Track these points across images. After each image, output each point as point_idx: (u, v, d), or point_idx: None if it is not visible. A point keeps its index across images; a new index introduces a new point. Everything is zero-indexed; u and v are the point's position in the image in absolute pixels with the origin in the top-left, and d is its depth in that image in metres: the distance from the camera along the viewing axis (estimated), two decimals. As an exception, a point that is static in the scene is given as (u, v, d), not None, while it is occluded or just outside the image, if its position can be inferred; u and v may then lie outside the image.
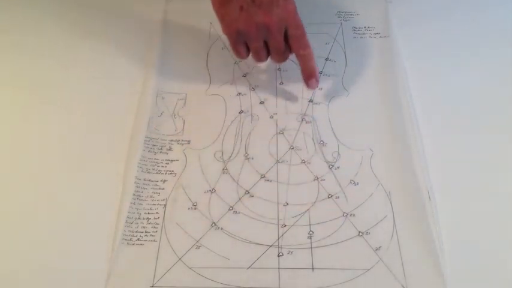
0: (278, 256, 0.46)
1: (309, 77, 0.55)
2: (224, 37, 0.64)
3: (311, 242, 0.47)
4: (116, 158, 0.52)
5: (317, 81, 0.56)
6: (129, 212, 0.48)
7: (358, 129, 0.55)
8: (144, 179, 0.51)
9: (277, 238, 0.47)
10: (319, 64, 0.61)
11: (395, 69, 0.59)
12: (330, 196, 0.50)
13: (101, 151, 0.53)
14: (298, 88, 0.59)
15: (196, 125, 0.56)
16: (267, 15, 0.50)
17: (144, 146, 0.53)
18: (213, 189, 0.51)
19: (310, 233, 0.47)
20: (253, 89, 0.59)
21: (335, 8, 0.68)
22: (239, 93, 0.59)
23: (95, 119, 0.56)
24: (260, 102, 0.58)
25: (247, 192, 0.50)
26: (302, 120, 0.56)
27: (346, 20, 0.66)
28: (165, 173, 0.52)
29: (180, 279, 0.45)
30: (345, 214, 0.48)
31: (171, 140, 0.54)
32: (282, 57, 0.54)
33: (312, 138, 0.54)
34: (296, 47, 0.53)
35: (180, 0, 0.68)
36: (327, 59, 0.62)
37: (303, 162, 0.53)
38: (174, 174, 0.52)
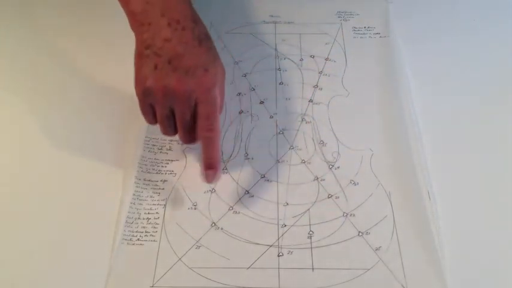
0: (278, 256, 0.46)
1: (207, 167, 0.49)
2: (224, 37, 0.64)
3: (311, 242, 0.47)
4: (116, 158, 0.52)
5: (215, 174, 0.50)
6: (129, 212, 0.48)
7: (358, 129, 0.55)
8: (144, 179, 0.51)
9: (277, 238, 0.47)
10: (319, 64, 0.61)
11: (395, 69, 0.59)
12: (330, 196, 0.50)
13: (101, 151, 0.53)
14: (298, 88, 0.59)
15: (196, 125, 0.56)
16: (178, 81, 0.44)
17: (144, 146, 0.53)
18: (213, 189, 0.51)
19: (310, 233, 0.47)
20: (253, 89, 0.59)
21: (335, 8, 0.68)
22: (239, 93, 0.59)
23: (94, 118, 0.56)
24: (260, 102, 0.58)
25: (247, 192, 0.50)
26: (302, 120, 0.56)
27: (346, 20, 0.66)
28: (165, 173, 0.52)
29: (180, 279, 0.45)
30: (345, 214, 0.48)
31: (171, 140, 0.54)
32: (187, 135, 0.48)
33: (312, 138, 0.54)
34: (200, 127, 0.47)
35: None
36: (327, 59, 0.62)
37: (303, 162, 0.53)
38: (174, 174, 0.52)
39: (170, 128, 0.48)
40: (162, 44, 0.44)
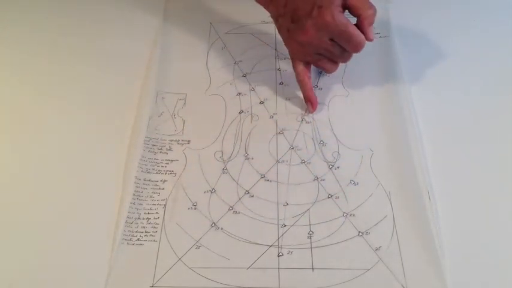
0: (278, 256, 0.46)
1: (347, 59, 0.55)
2: (224, 37, 0.64)
3: (311, 242, 0.47)
4: (116, 158, 0.52)
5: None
6: (129, 212, 0.48)
7: (358, 129, 0.55)
8: (144, 179, 0.51)
9: (277, 238, 0.47)
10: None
11: (395, 69, 0.59)
12: (330, 196, 0.50)
13: (101, 151, 0.53)
14: (298, 88, 0.59)
15: (196, 125, 0.56)
16: (303, 33, 0.50)
17: (144, 146, 0.53)
18: (213, 189, 0.51)
19: (310, 233, 0.47)
20: (253, 89, 0.59)
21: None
22: (239, 93, 0.59)
23: (94, 118, 0.56)
24: (260, 102, 0.58)
25: (247, 192, 0.50)
26: (302, 120, 0.56)
27: (346, 20, 0.66)
28: (165, 173, 0.52)
29: (180, 279, 0.45)
30: (344, 214, 0.48)
31: (171, 140, 0.54)
32: (344, 59, 0.54)
33: (312, 138, 0.54)
34: (349, 47, 0.52)
35: (180, 0, 0.68)
36: (327, 59, 0.62)
37: (303, 162, 0.53)
38: (174, 174, 0.52)
39: (327, 64, 0.54)
40: (283, 11, 0.52)
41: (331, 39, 0.51)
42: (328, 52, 0.52)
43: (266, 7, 0.55)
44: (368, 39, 0.51)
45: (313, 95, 0.56)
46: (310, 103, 0.56)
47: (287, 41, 0.54)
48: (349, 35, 0.50)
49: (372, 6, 0.51)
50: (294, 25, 0.51)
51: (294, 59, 0.55)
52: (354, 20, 0.51)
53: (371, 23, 0.51)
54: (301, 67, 0.55)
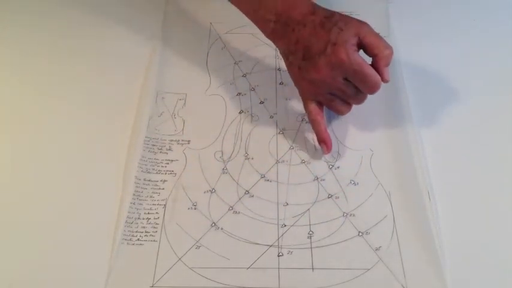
0: (278, 256, 0.46)
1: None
2: (224, 37, 0.64)
3: (311, 242, 0.47)
4: (116, 158, 0.52)
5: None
6: (129, 212, 0.48)
7: (358, 129, 0.55)
8: (144, 179, 0.51)
9: (277, 238, 0.47)
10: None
11: (395, 69, 0.59)
12: (330, 196, 0.50)
13: (101, 151, 0.53)
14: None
15: (196, 125, 0.56)
16: (316, 71, 0.48)
17: (144, 146, 0.53)
18: (213, 189, 0.51)
19: (310, 233, 0.47)
20: (253, 89, 0.59)
21: (335, 8, 0.67)
22: (239, 93, 0.59)
23: (94, 118, 0.56)
24: (260, 102, 0.58)
25: (247, 192, 0.50)
26: (302, 120, 0.56)
27: (346, 20, 0.66)
28: (165, 173, 0.52)
29: (180, 279, 0.45)
30: (344, 214, 0.48)
31: (171, 140, 0.54)
32: (358, 100, 0.52)
33: (312, 138, 0.54)
34: (364, 88, 0.49)
35: (180, 0, 0.68)
36: (327, 59, 0.62)
37: (303, 162, 0.53)
38: (174, 174, 0.52)
39: (340, 106, 0.52)
40: (294, 48, 0.49)
41: (345, 79, 0.48)
42: (341, 92, 0.50)
43: (275, 42, 0.52)
44: (384, 80, 0.48)
45: (327, 136, 0.52)
46: (324, 145, 0.52)
47: (297, 80, 0.51)
48: (364, 75, 0.47)
49: (388, 46, 0.48)
50: (306, 62, 0.48)
51: (304, 99, 0.52)
52: (369, 60, 0.48)
53: (387, 64, 0.48)
54: (313, 105, 0.52)
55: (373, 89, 0.48)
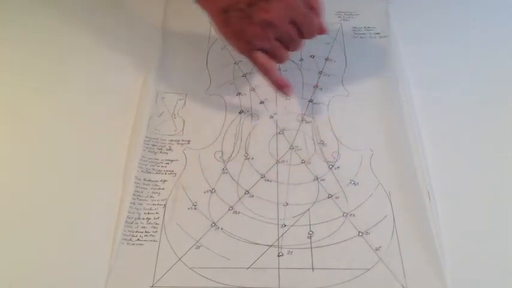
0: (278, 256, 0.46)
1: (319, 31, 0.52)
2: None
3: (311, 242, 0.47)
4: (116, 158, 0.52)
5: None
6: (129, 212, 0.48)
7: (358, 129, 0.55)
8: (144, 179, 0.51)
9: (277, 238, 0.47)
10: (319, 64, 0.61)
11: (395, 69, 0.59)
12: (330, 196, 0.50)
13: (101, 151, 0.53)
14: (298, 88, 0.59)
15: (196, 125, 0.56)
16: (266, 11, 0.48)
17: (144, 146, 0.53)
18: (213, 189, 0.51)
19: (310, 233, 0.47)
20: (253, 89, 0.59)
21: (335, 8, 0.68)
22: (239, 93, 0.59)
23: (95, 119, 0.56)
24: (260, 102, 0.58)
25: (247, 192, 0.50)
26: (302, 120, 0.56)
27: (346, 20, 0.66)
28: (165, 173, 0.52)
29: (180, 279, 0.45)
30: (344, 214, 0.48)
31: (171, 140, 0.54)
32: (297, 46, 0.52)
33: (312, 138, 0.54)
34: (307, 33, 0.51)
35: (180, 0, 0.68)
36: (327, 59, 0.62)
37: (303, 162, 0.53)
38: (174, 174, 0.52)
39: (283, 53, 0.51)
40: (234, 0, 0.48)
41: (290, 22, 0.49)
42: (287, 36, 0.50)
43: (208, 3, 0.50)
44: (322, 31, 0.51)
45: (283, 78, 0.51)
46: (285, 87, 0.51)
47: (241, 32, 0.49)
48: (311, 18, 0.49)
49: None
50: (253, 8, 0.48)
51: (249, 49, 0.50)
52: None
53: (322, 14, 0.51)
54: (262, 54, 0.50)
55: (315, 32, 0.51)
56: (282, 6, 0.48)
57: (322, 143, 0.54)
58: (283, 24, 0.49)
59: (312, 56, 0.62)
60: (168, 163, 0.52)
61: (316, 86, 0.59)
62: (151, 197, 0.50)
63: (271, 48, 0.50)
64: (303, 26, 0.49)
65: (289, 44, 0.51)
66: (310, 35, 0.51)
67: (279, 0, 0.48)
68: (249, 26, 0.49)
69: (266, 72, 0.51)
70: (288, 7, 0.48)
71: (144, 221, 0.48)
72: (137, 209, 0.49)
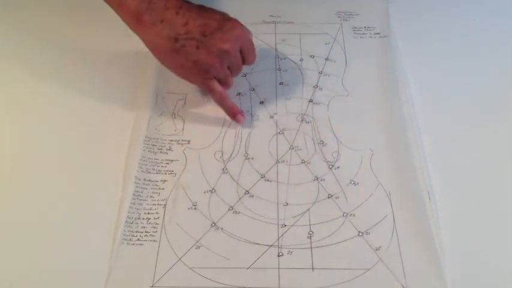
0: (278, 256, 0.46)
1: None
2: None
3: (311, 242, 0.47)
4: (116, 158, 0.52)
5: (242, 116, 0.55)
6: (129, 212, 0.48)
7: (358, 129, 0.55)
8: (144, 179, 0.51)
9: (277, 238, 0.47)
10: (319, 64, 0.61)
11: (395, 69, 0.59)
12: (329, 196, 0.50)
13: (101, 151, 0.53)
14: (298, 88, 0.59)
15: (196, 125, 0.56)
16: (223, 41, 0.50)
17: (144, 146, 0.53)
18: (213, 189, 0.51)
19: (310, 233, 0.47)
20: (253, 89, 0.59)
21: (335, 8, 0.68)
22: (239, 93, 0.59)
23: (94, 119, 0.56)
24: (260, 102, 0.58)
25: (247, 192, 0.50)
26: (302, 120, 0.56)
27: (346, 20, 0.66)
28: (165, 173, 0.52)
29: (180, 279, 0.45)
30: (344, 214, 0.48)
31: (171, 140, 0.54)
32: (239, 72, 0.55)
33: (312, 138, 0.54)
34: (250, 60, 0.55)
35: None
36: (327, 59, 0.62)
37: (303, 162, 0.53)
38: (174, 174, 0.52)
39: (231, 80, 0.55)
40: (184, 30, 0.49)
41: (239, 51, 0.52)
42: (236, 64, 0.53)
43: (146, 31, 0.50)
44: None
45: (236, 105, 0.55)
46: (237, 113, 0.55)
47: (197, 62, 0.50)
48: (253, 46, 0.53)
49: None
50: (210, 38, 0.49)
51: (205, 79, 0.52)
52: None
53: None
54: (216, 83, 0.53)
55: (254, 59, 0.55)
56: (234, 36, 0.50)
57: (322, 143, 0.54)
58: (236, 53, 0.52)
59: (312, 56, 0.62)
60: (168, 163, 0.52)
61: (316, 86, 0.59)
62: (151, 197, 0.50)
63: (224, 77, 0.53)
64: (248, 53, 0.53)
65: (235, 71, 0.54)
66: (252, 62, 0.55)
67: (232, 30, 0.50)
68: (206, 56, 0.50)
69: (222, 100, 0.54)
70: (238, 36, 0.51)
71: (144, 221, 0.48)
72: (137, 209, 0.49)
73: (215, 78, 0.53)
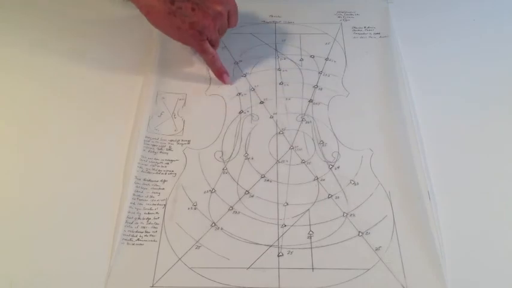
0: (278, 256, 0.46)
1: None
2: (224, 37, 0.64)
3: (311, 242, 0.47)
4: (116, 158, 0.52)
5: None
6: (129, 212, 0.48)
7: (358, 129, 0.55)
8: (144, 179, 0.51)
9: (277, 238, 0.47)
10: (319, 64, 0.61)
11: (395, 69, 0.59)
12: (330, 196, 0.50)
13: (101, 151, 0.53)
14: (298, 88, 0.59)
15: (196, 125, 0.56)
16: (217, 3, 0.54)
17: (144, 146, 0.53)
18: (213, 189, 0.51)
19: (310, 233, 0.47)
20: (253, 89, 0.59)
21: (335, 8, 0.68)
22: (239, 93, 0.59)
23: (95, 118, 0.56)
24: (260, 102, 0.58)
25: (247, 192, 0.50)
26: (302, 120, 0.56)
27: (346, 20, 0.66)
28: (165, 173, 0.52)
29: (180, 279, 0.45)
30: (344, 214, 0.48)
31: (171, 140, 0.54)
32: (223, 34, 0.59)
33: (312, 138, 0.54)
34: (233, 23, 0.59)
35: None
36: (327, 59, 0.62)
37: (303, 162, 0.53)
38: (174, 174, 0.52)
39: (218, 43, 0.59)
40: None
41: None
42: (224, 27, 0.57)
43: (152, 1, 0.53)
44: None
45: (224, 66, 0.59)
46: (224, 73, 0.58)
47: (194, 23, 0.53)
48: (237, 10, 0.57)
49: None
50: (205, 1, 0.53)
51: (199, 41, 0.55)
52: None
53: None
54: (207, 44, 0.56)
55: (237, 22, 0.59)
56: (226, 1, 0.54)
57: (322, 143, 0.54)
58: (226, 14, 0.56)
59: (312, 56, 0.62)
60: (168, 163, 0.52)
61: (316, 86, 0.59)
62: (151, 197, 0.50)
63: (215, 38, 0.57)
64: (233, 16, 0.57)
65: (222, 33, 0.58)
66: (234, 24, 0.59)
67: None
68: (201, 18, 0.53)
69: (214, 60, 0.57)
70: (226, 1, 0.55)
71: (144, 221, 0.48)
72: (137, 209, 0.49)
73: (207, 39, 0.56)
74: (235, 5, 0.57)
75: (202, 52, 0.57)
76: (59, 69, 0.61)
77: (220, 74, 0.58)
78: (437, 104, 0.57)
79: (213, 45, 0.57)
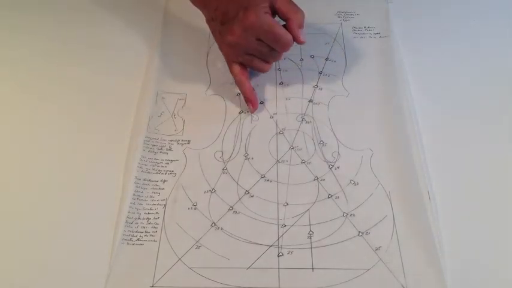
0: (278, 256, 0.46)
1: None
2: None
3: (311, 242, 0.47)
4: (116, 158, 0.52)
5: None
6: (129, 212, 0.48)
7: (358, 129, 0.55)
8: (144, 179, 0.51)
9: (277, 238, 0.47)
10: (319, 64, 0.61)
11: (395, 69, 0.59)
12: (329, 196, 0.50)
13: (101, 151, 0.53)
14: (298, 88, 0.59)
15: (196, 125, 0.56)
16: (230, 33, 0.51)
17: (144, 146, 0.53)
18: (213, 189, 0.51)
19: (310, 233, 0.47)
20: (253, 89, 0.59)
21: (335, 8, 0.68)
22: (239, 93, 0.59)
23: (95, 119, 0.56)
24: (260, 102, 0.58)
25: (247, 192, 0.50)
26: (302, 120, 0.56)
27: (346, 20, 0.66)
28: (165, 173, 0.52)
29: (180, 279, 0.45)
30: (344, 214, 0.48)
31: (171, 140, 0.54)
32: (275, 58, 0.55)
33: (312, 138, 0.54)
34: (276, 46, 0.53)
35: (180, 0, 0.68)
36: (327, 59, 0.62)
37: (303, 162, 0.53)
38: (174, 174, 0.52)
39: (259, 64, 0.55)
40: (215, 14, 0.53)
41: (259, 40, 0.52)
42: (257, 52, 0.53)
43: (201, 9, 0.56)
44: (298, 41, 0.52)
45: (252, 95, 0.56)
46: (250, 103, 0.56)
47: (220, 44, 0.55)
48: (274, 34, 0.51)
49: (299, 10, 0.53)
50: (224, 27, 0.52)
51: (228, 62, 0.56)
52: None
53: (300, 26, 0.52)
54: (237, 68, 0.55)
55: (284, 47, 0.52)
56: (243, 28, 0.50)
57: (322, 143, 0.54)
58: (248, 42, 0.52)
59: (312, 56, 0.62)
60: (168, 163, 0.53)
61: (316, 86, 0.59)
62: (151, 197, 0.50)
63: (245, 62, 0.55)
64: (269, 42, 0.52)
65: (265, 57, 0.55)
66: (281, 48, 0.53)
67: (242, 21, 0.50)
68: (221, 43, 0.55)
69: (238, 84, 0.56)
70: (249, 27, 0.50)
71: (144, 221, 0.48)
72: (137, 209, 0.49)
73: (235, 62, 0.55)
74: (264, 31, 0.50)
75: (230, 73, 0.57)
76: (58, 69, 0.61)
77: (247, 100, 0.57)
78: (437, 104, 0.57)
79: (252, 68, 0.56)
